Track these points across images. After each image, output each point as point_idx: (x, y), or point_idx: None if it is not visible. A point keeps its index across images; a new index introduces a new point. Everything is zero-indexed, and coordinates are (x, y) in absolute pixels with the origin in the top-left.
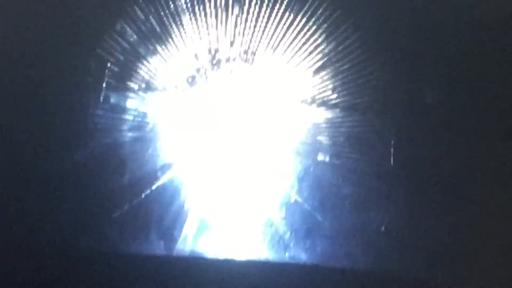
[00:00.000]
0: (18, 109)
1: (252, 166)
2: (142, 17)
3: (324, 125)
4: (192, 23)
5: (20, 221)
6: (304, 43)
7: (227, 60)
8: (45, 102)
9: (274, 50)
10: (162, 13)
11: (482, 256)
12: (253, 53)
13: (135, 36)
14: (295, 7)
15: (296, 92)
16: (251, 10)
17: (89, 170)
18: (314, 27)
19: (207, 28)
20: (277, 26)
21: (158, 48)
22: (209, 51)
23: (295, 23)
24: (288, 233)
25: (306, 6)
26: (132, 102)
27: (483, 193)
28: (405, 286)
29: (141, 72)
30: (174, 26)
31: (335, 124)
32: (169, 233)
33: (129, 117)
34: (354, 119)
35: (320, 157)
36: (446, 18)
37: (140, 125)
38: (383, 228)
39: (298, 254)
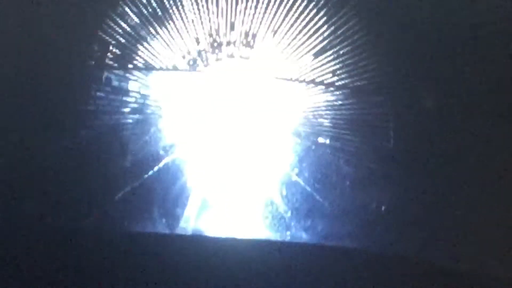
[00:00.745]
0: (20, 91)
1: (253, 147)
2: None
3: (324, 107)
4: (193, 6)
5: (23, 201)
6: (304, 26)
7: (228, 43)
8: (47, 84)
9: (274, 34)
10: None
11: (482, 235)
12: (254, 36)
13: (136, 19)
14: None
15: (296, 75)
16: None
17: (92, 151)
18: (314, 11)
19: (208, 11)
20: (277, 10)
21: (160, 31)
22: (210, 34)
23: (295, 6)
24: (289, 212)
25: None
26: (134, 84)
27: (483, 173)
28: (405, 264)
29: (142, 54)
30: (175, 9)
31: (335, 107)
32: (172, 212)
33: (131, 99)
34: (354, 102)
35: (321, 139)
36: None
37: (142, 107)
38: (383, 208)
39: (299, 233)
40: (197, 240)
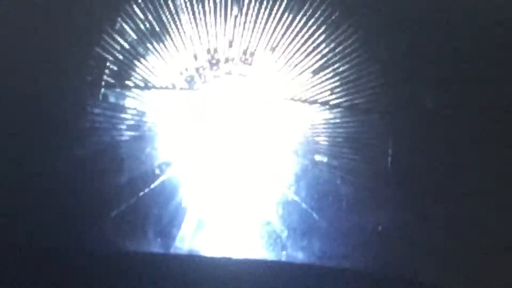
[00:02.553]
0: (16, 107)
1: (250, 166)
2: (141, 16)
3: (322, 125)
4: (191, 23)
5: (18, 220)
6: (303, 44)
7: (226, 60)
8: (44, 100)
9: (273, 51)
10: (161, 12)
11: (479, 257)
12: (252, 54)
13: (134, 35)
14: (294, 8)
15: (294, 93)
16: (250, 10)
17: (88, 169)
18: (313, 28)
19: (206, 28)
20: (276, 27)
21: (157, 47)
22: (208, 51)
23: (294, 23)
24: (285, 232)
25: (306, 7)
26: (131, 101)
27: (480, 195)
28: (402, 285)
29: (140, 71)
30: (173, 25)
31: (333, 125)
32: (167, 232)
33: (127, 116)
34: (352, 120)
35: (318, 157)
36: (445, 19)
37: (138, 124)
38: (379, 228)
39: (295, 253)
40: (193, 260)
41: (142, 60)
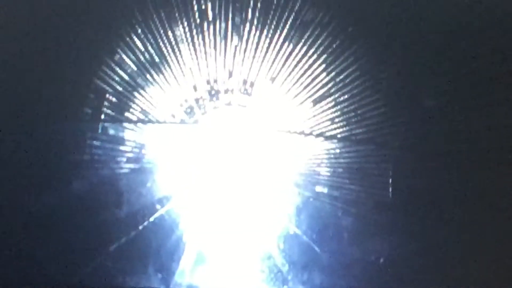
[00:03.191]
0: (13, 141)
1: (251, 199)
2: (141, 47)
3: (322, 156)
4: (190, 53)
5: (14, 255)
6: (303, 74)
7: (226, 91)
8: (42, 132)
9: (273, 81)
10: (160, 43)
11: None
12: (252, 84)
13: (133, 67)
14: (294, 37)
15: (294, 123)
16: (250, 40)
17: (86, 202)
18: (313, 57)
19: (206, 59)
20: (276, 57)
21: (156, 78)
22: (208, 82)
23: (294, 53)
24: (287, 266)
25: (306, 36)
26: (130, 134)
27: (484, 224)
28: None
29: (139, 103)
30: (172, 56)
31: (333, 156)
32: (167, 266)
33: (127, 148)
34: (352, 150)
35: (319, 188)
36: (448, 47)
37: (138, 157)
38: (381, 260)
39: (297, 287)
40: None
41: (141, 91)
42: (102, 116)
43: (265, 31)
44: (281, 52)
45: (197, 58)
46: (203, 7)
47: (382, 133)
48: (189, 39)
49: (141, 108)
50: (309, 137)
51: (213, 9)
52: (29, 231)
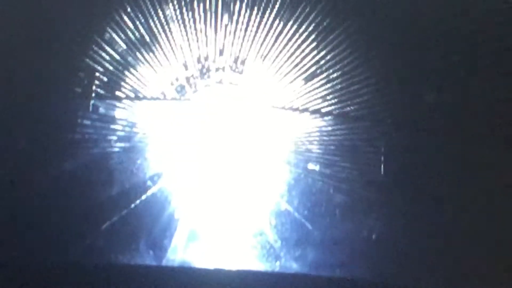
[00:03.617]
0: (5, 119)
1: (242, 175)
2: (131, 25)
3: (314, 133)
4: (181, 32)
5: (6, 232)
6: (294, 51)
7: (217, 69)
8: (33, 112)
9: (263, 59)
10: (151, 22)
11: (474, 264)
12: (243, 62)
13: (123, 45)
14: (285, 15)
15: (286, 101)
16: (241, 18)
17: (78, 180)
18: (304, 35)
19: (196, 37)
20: (267, 34)
21: (147, 57)
22: (198, 60)
23: (285, 31)
24: (279, 242)
25: (296, 14)
26: (121, 112)
27: (475, 201)
28: None
29: (130, 81)
30: (163, 34)
31: (325, 133)
32: (159, 244)
33: (118, 127)
34: (344, 128)
35: (311, 165)
36: (437, 24)
37: (129, 135)
38: (373, 236)
39: (289, 263)
40: (185, 272)
41: (131, 70)
42: (93, 95)
43: (255, 9)
44: (272, 29)
45: (187, 36)
46: None
47: (374, 111)
48: (180, 17)
49: (132, 87)
50: (301, 114)
51: None
52: (20, 209)
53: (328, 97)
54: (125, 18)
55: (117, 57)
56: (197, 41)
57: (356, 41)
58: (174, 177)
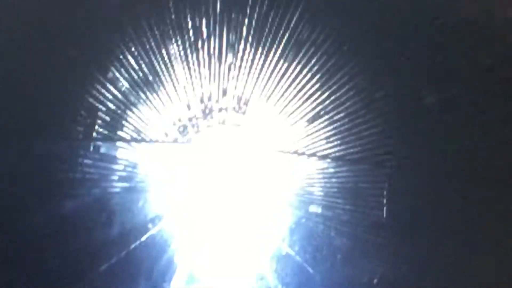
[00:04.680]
0: (6, 157)
1: (244, 219)
2: (135, 65)
3: (316, 176)
4: (184, 72)
5: (6, 273)
6: (298, 93)
7: (220, 109)
8: (34, 150)
9: (267, 100)
10: (154, 61)
11: None
12: (246, 103)
13: (126, 84)
14: (289, 56)
15: (289, 142)
16: (245, 58)
17: (78, 221)
18: (307, 76)
19: (200, 77)
20: (270, 75)
21: (150, 96)
22: (201, 100)
23: (289, 72)
24: (280, 287)
25: (300, 55)
26: (123, 152)
27: (479, 247)
28: None
29: (132, 121)
30: (166, 74)
31: (327, 175)
32: (158, 286)
33: (119, 167)
34: (346, 170)
35: (312, 208)
36: (440, 64)
37: (130, 176)
38: (375, 280)
39: None
40: None
41: (134, 110)
42: (95, 135)
43: (259, 49)
44: (276, 70)
45: (191, 76)
46: (197, 24)
47: (377, 153)
48: (183, 57)
49: (134, 127)
50: (303, 156)
51: (207, 26)
52: (19, 250)
53: (331, 139)
54: (128, 57)
55: (120, 96)
56: (200, 81)
57: (360, 82)
58: (175, 219)
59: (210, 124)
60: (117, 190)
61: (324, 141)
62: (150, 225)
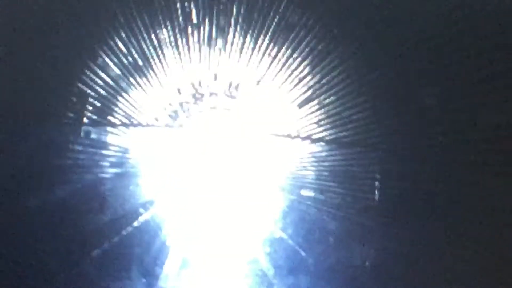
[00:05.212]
0: None
1: (236, 202)
2: (124, 50)
3: (308, 159)
4: (175, 56)
5: None
6: (289, 76)
7: (210, 94)
8: (24, 137)
9: (257, 84)
10: (144, 46)
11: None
12: (237, 87)
13: (117, 70)
14: (279, 40)
15: (280, 126)
16: (235, 42)
17: (69, 207)
18: (298, 60)
19: (190, 61)
20: (261, 59)
21: (140, 82)
22: (192, 85)
23: (279, 55)
24: (272, 270)
25: (290, 38)
26: (114, 138)
27: (470, 228)
28: None
29: (122, 106)
30: (156, 59)
31: (319, 159)
32: (151, 271)
33: (110, 152)
34: (338, 153)
35: (304, 192)
36: (433, 49)
37: (121, 161)
38: (367, 263)
39: None
40: None
41: (125, 95)
42: (85, 120)
43: (249, 34)
44: (266, 54)
45: (181, 61)
46: (188, 10)
47: (369, 136)
48: (173, 42)
49: (125, 112)
50: (295, 140)
51: (197, 12)
52: (10, 236)
53: (322, 123)
54: (118, 42)
55: (110, 82)
56: (191, 65)
57: (351, 65)
58: (166, 204)
59: (201, 109)
60: (108, 175)
61: (316, 125)
62: (141, 210)
